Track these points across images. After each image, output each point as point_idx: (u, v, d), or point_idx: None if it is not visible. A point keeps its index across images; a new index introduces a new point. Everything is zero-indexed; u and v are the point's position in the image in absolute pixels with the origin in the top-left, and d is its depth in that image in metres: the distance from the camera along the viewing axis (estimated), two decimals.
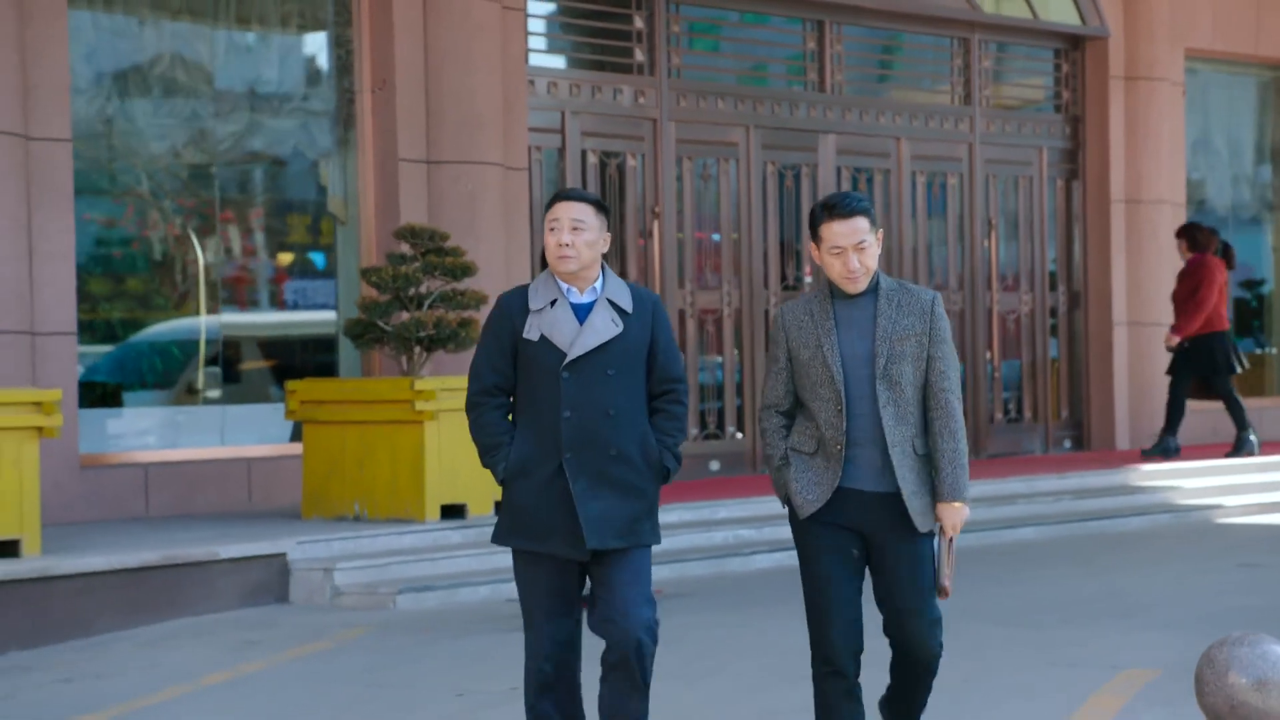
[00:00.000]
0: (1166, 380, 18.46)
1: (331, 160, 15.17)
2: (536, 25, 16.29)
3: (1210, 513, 16.47)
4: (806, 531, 6.90)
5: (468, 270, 13.07)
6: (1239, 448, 18.19)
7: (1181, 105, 20.85)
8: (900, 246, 18.73)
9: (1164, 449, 18.05)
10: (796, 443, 6.91)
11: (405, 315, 13.05)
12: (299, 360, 15.73)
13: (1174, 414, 18.14)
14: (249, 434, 14.73)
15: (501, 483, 7.09)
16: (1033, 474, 17.02)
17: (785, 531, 9.66)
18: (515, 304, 7.09)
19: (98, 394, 14.35)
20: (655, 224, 16.76)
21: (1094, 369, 20.37)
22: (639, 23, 16.90)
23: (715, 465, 17.23)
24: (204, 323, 14.80)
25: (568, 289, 7.06)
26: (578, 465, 6.95)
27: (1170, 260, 20.27)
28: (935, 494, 6.83)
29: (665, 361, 7.12)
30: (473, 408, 7.11)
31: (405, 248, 13.22)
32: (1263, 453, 18.41)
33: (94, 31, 13.96)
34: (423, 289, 13.10)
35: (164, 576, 11.38)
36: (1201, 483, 17.42)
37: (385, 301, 13.05)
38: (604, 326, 6.98)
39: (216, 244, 14.80)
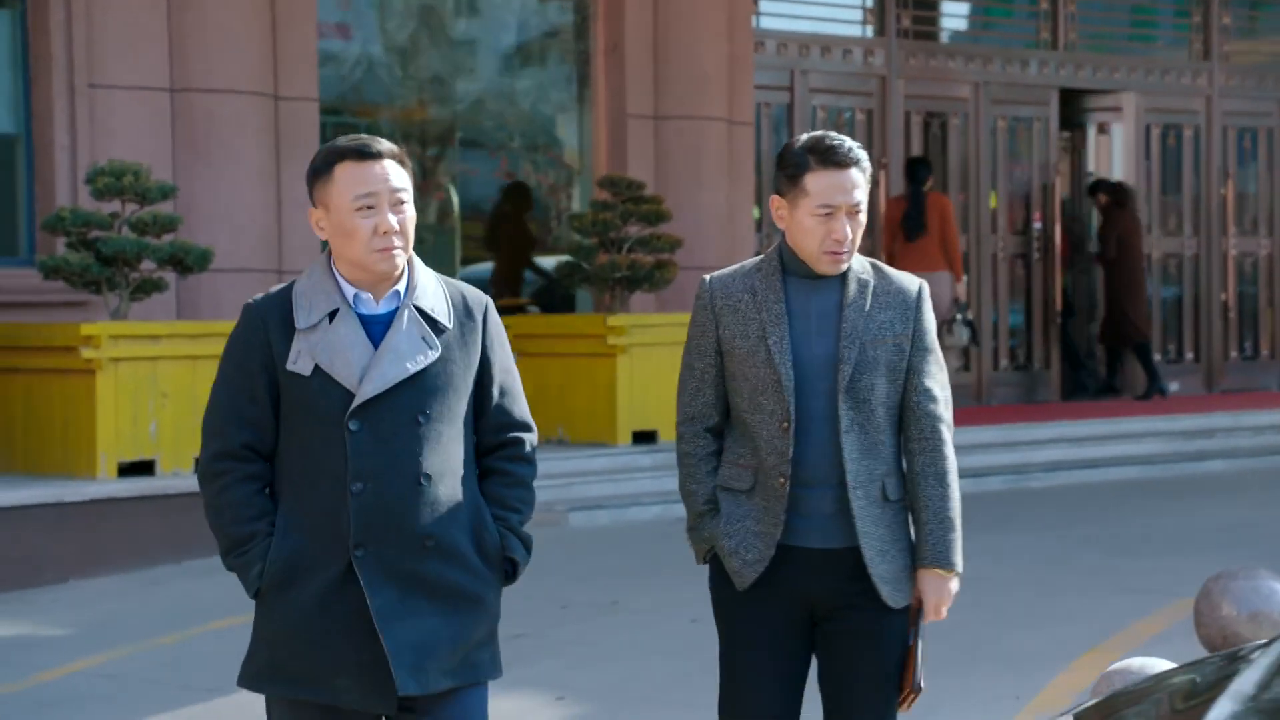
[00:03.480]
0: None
1: (568, 116, 15.10)
2: None
3: None
4: (736, 608, 4.65)
5: (662, 216, 12.88)
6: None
7: None
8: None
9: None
10: (727, 477, 4.68)
11: (606, 258, 12.95)
12: (553, 298, 15.69)
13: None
14: None
15: (255, 596, 4.31)
16: (1243, 409, 16.18)
17: None
18: (271, 318, 4.28)
19: None
20: (882, 173, 16.32)
21: None
22: None
23: None
24: (458, 263, 14.90)
25: (355, 294, 4.29)
26: (377, 565, 4.23)
27: None
28: (914, 556, 4.61)
29: (502, 398, 4.40)
30: (210, 479, 4.31)
31: (607, 196, 13.09)
32: None
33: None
34: (625, 233, 12.95)
35: None
36: None
37: (590, 245, 12.96)
38: (411, 349, 4.26)
39: (462, 193, 14.86)
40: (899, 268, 14.10)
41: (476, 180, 15.08)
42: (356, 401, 4.21)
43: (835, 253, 4.57)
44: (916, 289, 4.68)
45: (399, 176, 4.29)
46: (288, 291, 4.33)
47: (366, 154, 4.28)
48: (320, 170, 4.32)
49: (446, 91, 14.56)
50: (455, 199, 14.75)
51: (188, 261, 11.05)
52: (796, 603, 4.59)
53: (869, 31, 16.43)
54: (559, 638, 8.46)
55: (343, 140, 4.31)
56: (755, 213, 15.30)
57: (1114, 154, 18.08)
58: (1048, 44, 17.53)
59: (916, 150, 16.58)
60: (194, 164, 12.61)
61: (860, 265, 4.66)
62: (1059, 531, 10.48)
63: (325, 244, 4.38)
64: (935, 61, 16.82)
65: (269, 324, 4.28)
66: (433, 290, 4.35)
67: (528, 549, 4.44)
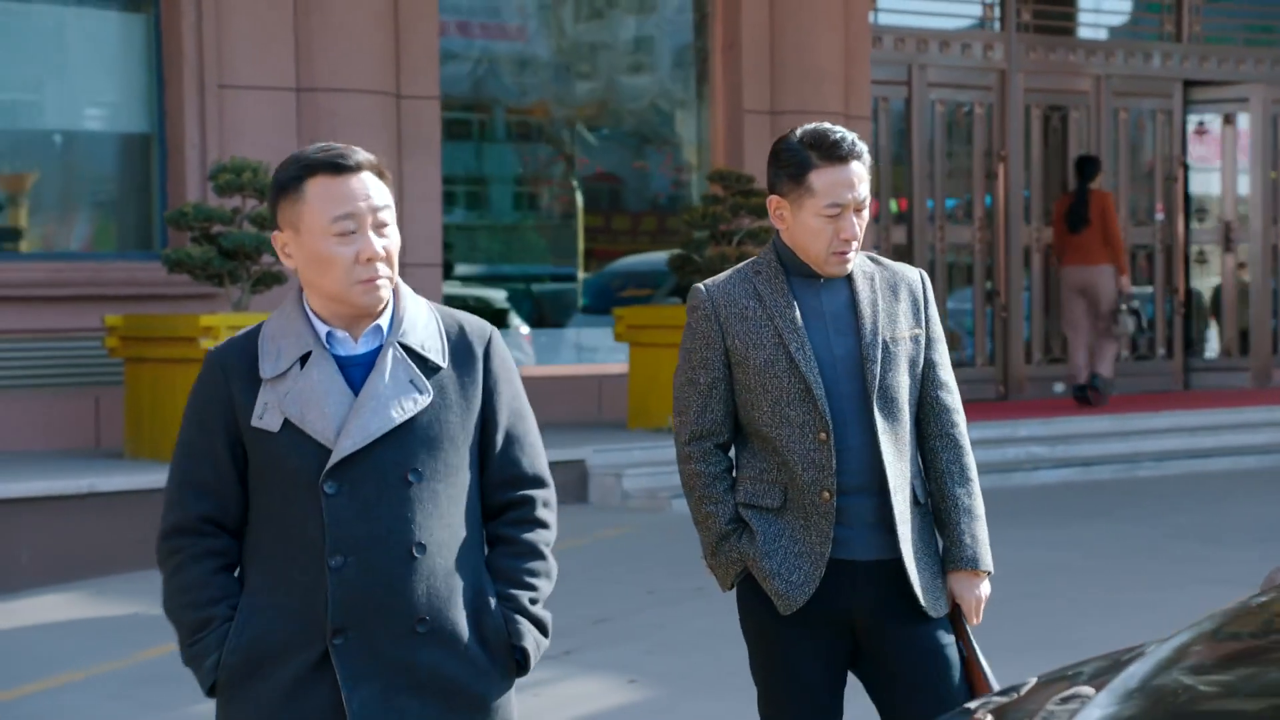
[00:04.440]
0: None
1: (686, 112, 15.17)
2: None
3: None
4: (780, 635, 4.29)
5: None
6: None
7: None
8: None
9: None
10: (751, 494, 4.29)
11: (716, 250, 13.01)
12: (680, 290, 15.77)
13: None
14: (610, 354, 14.88)
15: (210, 693, 3.59)
16: None
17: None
18: (233, 368, 3.59)
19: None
20: (1001, 166, 16.23)
21: None
22: None
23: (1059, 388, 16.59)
24: (580, 261, 15.00)
25: (329, 332, 3.59)
26: (359, 655, 3.52)
27: None
28: (946, 559, 4.33)
29: (509, 448, 3.68)
30: (164, 559, 3.62)
31: (718, 189, 13.16)
32: None
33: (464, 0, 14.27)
34: (736, 226, 13.00)
35: None
36: None
37: (702, 238, 13.04)
38: (397, 394, 3.55)
39: (584, 190, 14.96)
40: (1063, 261, 15.01)
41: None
42: (333, 460, 3.49)
43: (843, 253, 4.24)
44: (920, 278, 4.38)
45: (380, 193, 3.58)
46: (255, 335, 3.62)
47: (343, 167, 3.54)
48: (287, 186, 3.57)
49: (567, 89, 14.68)
50: (580, 195, 14.86)
51: None
52: (840, 620, 4.27)
53: (988, 26, 16.35)
54: (640, 622, 8.56)
55: (313, 149, 3.60)
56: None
57: (1239, 145, 17.82)
58: (1171, 36, 17.33)
59: (1036, 143, 16.49)
60: None
61: (860, 259, 4.33)
62: (1156, 521, 10.41)
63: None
64: (1055, 55, 16.70)
65: (230, 375, 3.58)
66: (424, 323, 3.63)
67: (544, 631, 3.67)
